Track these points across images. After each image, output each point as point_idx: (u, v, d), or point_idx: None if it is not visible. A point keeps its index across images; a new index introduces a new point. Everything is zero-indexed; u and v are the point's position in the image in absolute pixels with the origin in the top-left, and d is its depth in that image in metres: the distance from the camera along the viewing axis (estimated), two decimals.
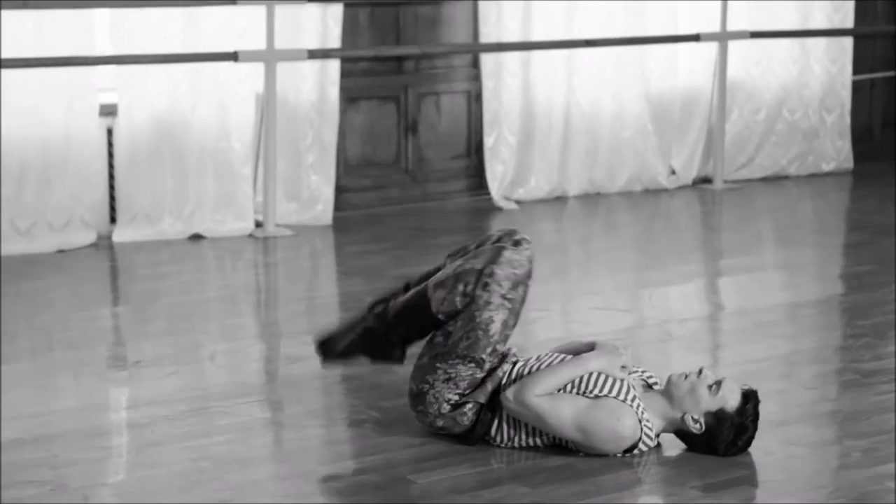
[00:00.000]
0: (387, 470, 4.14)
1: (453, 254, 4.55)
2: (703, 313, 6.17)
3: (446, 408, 4.34)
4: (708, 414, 4.23)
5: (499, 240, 4.46)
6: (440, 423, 4.36)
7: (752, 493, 4.05)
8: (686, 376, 4.27)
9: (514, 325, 4.39)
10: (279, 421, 4.69)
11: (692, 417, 4.24)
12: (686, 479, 4.10)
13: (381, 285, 6.41)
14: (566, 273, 6.93)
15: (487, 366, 4.34)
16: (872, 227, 7.82)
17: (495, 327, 4.32)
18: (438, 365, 4.34)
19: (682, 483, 4.07)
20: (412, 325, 4.47)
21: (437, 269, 4.55)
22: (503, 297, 4.31)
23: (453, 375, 4.32)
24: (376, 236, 7.55)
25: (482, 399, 4.33)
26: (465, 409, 4.33)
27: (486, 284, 4.30)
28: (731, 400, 4.22)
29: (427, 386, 4.36)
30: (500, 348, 4.35)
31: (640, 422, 4.21)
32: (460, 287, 4.33)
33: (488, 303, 4.30)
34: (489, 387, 4.34)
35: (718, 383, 4.24)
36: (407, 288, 4.59)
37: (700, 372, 4.27)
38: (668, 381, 4.30)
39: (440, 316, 4.37)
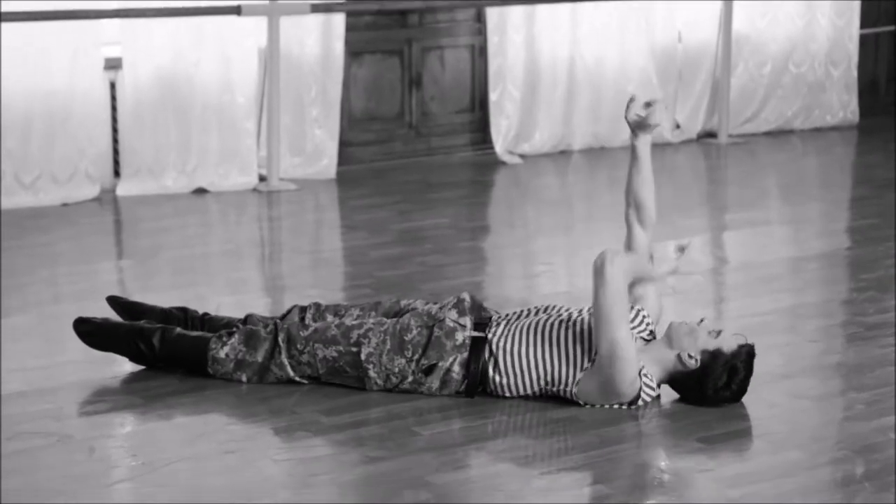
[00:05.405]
0: (390, 422, 4.15)
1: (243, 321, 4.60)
2: (707, 267, 6.16)
3: (420, 376, 4.33)
4: (704, 352, 4.25)
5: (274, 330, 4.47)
6: (434, 385, 4.35)
7: (755, 444, 4.06)
8: (687, 323, 4.31)
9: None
10: None
11: (688, 354, 4.25)
12: (690, 431, 4.11)
13: (384, 239, 6.43)
14: (570, 227, 6.92)
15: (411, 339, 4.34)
16: (877, 182, 7.80)
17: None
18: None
19: (687, 435, 4.08)
20: (179, 363, 4.54)
21: (228, 323, 4.63)
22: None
23: (388, 366, 4.36)
24: (380, 190, 7.54)
25: (448, 359, 4.31)
26: (451, 370, 4.32)
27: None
28: (727, 344, 4.26)
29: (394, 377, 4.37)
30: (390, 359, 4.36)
31: (640, 375, 4.22)
32: (242, 374, 4.44)
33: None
34: (453, 341, 4.32)
35: (718, 332, 4.29)
36: (201, 322, 4.68)
37: (701, 321, 4.31)
38: (669, 326, 4.33)
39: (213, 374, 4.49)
